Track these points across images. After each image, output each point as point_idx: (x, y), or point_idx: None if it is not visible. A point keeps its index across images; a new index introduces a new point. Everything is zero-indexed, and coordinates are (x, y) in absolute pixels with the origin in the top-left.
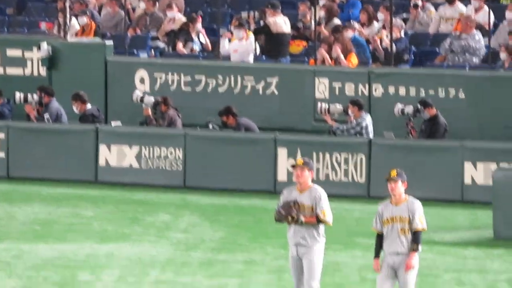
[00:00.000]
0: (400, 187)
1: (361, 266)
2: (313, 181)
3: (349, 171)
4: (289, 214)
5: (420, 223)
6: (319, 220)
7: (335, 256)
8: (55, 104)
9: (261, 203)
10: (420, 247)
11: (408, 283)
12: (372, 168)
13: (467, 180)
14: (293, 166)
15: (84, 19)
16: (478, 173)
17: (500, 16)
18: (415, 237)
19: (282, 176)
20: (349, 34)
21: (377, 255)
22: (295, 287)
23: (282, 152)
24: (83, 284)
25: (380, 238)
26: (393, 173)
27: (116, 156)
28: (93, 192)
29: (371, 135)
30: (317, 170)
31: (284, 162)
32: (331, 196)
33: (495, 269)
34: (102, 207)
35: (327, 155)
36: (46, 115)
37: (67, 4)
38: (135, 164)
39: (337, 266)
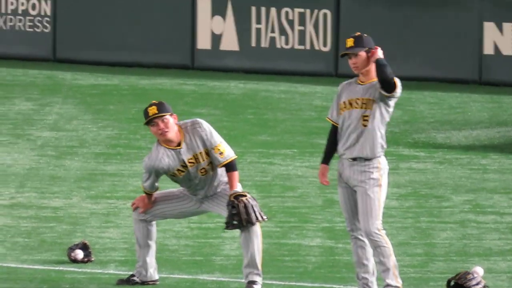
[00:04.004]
0: (363, 60)
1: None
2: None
3: (307, 35)
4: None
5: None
6: None
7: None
8: None
9: None
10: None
11: (370, 207)
12: (341, 29)
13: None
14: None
15: None
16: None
17: None
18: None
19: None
20: None
21: (325, 158)
22: None
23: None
24: None
25: (334, 132)
26: (349, 42)
27: None
28: None
29: None
30: (258, 31)
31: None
32: (279, 73)
33: None
34: None
35: (273, 10)
36: None
37: None
38: None
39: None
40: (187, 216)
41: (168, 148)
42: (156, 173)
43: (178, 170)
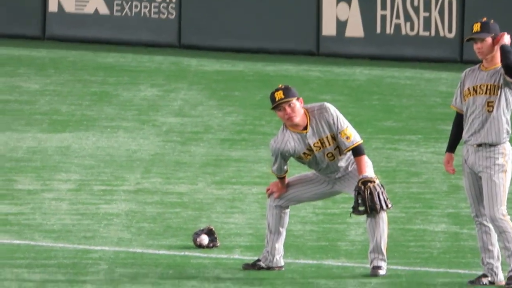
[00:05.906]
0: (489, 46)
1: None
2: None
3: (432, 21)
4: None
5: None
6: None
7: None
8: None
9: None
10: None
11: (495, 192)
12: (466, 15)
13: None
14: None
15: None
16: None
17: None
18: None
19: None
20: None
21: (450, 146)
22: None
23: None
24: None
25: (459, 119)
26: (476, 27)
27: None
28: None
29: None
30: (383, 18)
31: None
32: (404, 60)
33: None
34: None
35: None
36: None
37: None
38: None
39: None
40: (321, 198)
41: (294, 131)
42: (282, 156)
43: (304, 153)
